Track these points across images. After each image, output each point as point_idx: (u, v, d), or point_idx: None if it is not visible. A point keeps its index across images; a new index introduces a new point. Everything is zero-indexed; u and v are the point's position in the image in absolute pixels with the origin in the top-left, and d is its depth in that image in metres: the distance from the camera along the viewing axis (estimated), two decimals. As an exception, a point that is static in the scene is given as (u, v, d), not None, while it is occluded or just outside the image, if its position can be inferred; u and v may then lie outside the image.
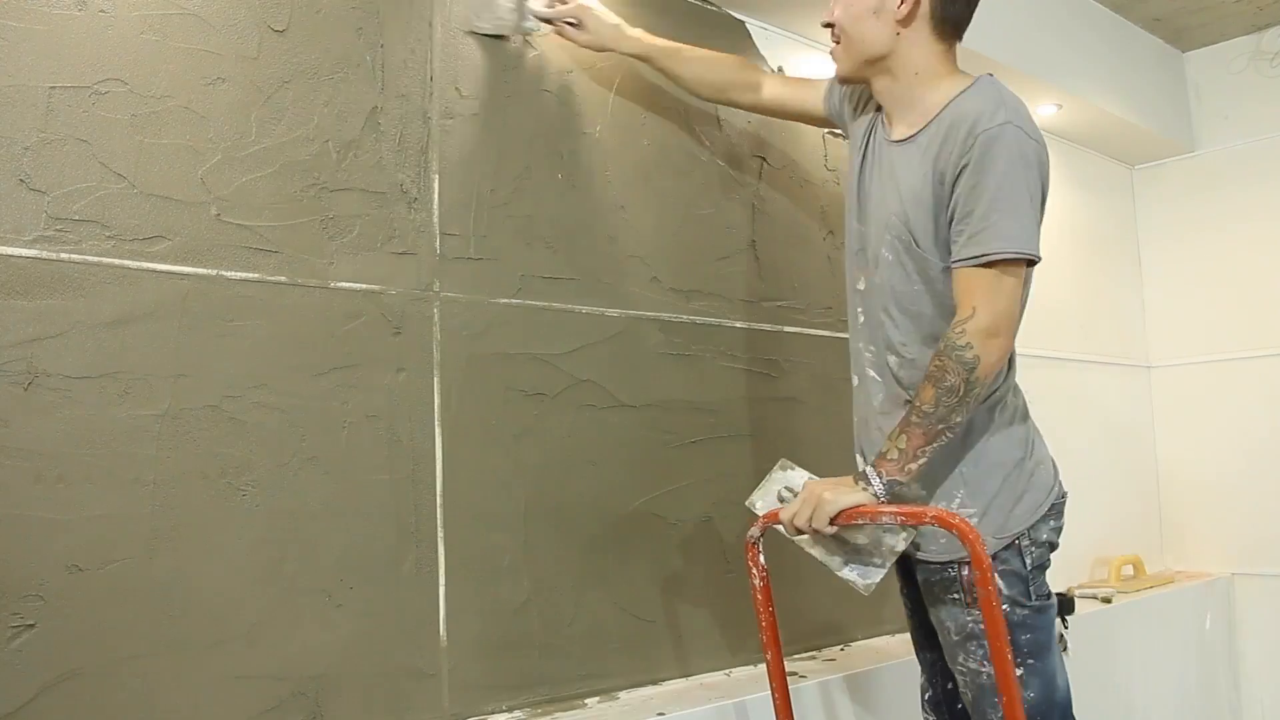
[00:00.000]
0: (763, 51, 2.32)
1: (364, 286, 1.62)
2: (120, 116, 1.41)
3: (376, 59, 1.67)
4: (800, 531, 1.53)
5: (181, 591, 1.40)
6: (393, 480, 1.62)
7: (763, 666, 1.70)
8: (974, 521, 1.51)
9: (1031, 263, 1.51)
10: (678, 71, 1.98)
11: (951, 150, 1.51)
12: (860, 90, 1.77)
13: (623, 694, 1.87)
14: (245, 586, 1.46)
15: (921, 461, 1.49)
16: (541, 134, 1.88)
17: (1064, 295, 3.24)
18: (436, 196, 1.72)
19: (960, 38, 1.64)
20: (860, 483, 1.50)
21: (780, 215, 2.28)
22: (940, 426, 1.48)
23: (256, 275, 1.51)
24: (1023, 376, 1.70)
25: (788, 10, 2.28)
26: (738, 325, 2.16)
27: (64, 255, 1.35)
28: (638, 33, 1.94)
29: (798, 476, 1.63)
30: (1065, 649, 2.58)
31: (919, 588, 1.67)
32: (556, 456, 1.83)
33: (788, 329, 2.26)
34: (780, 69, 2.33)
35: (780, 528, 1.56)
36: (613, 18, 1.92)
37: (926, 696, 1.78)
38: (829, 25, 1.67)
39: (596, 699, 1.83)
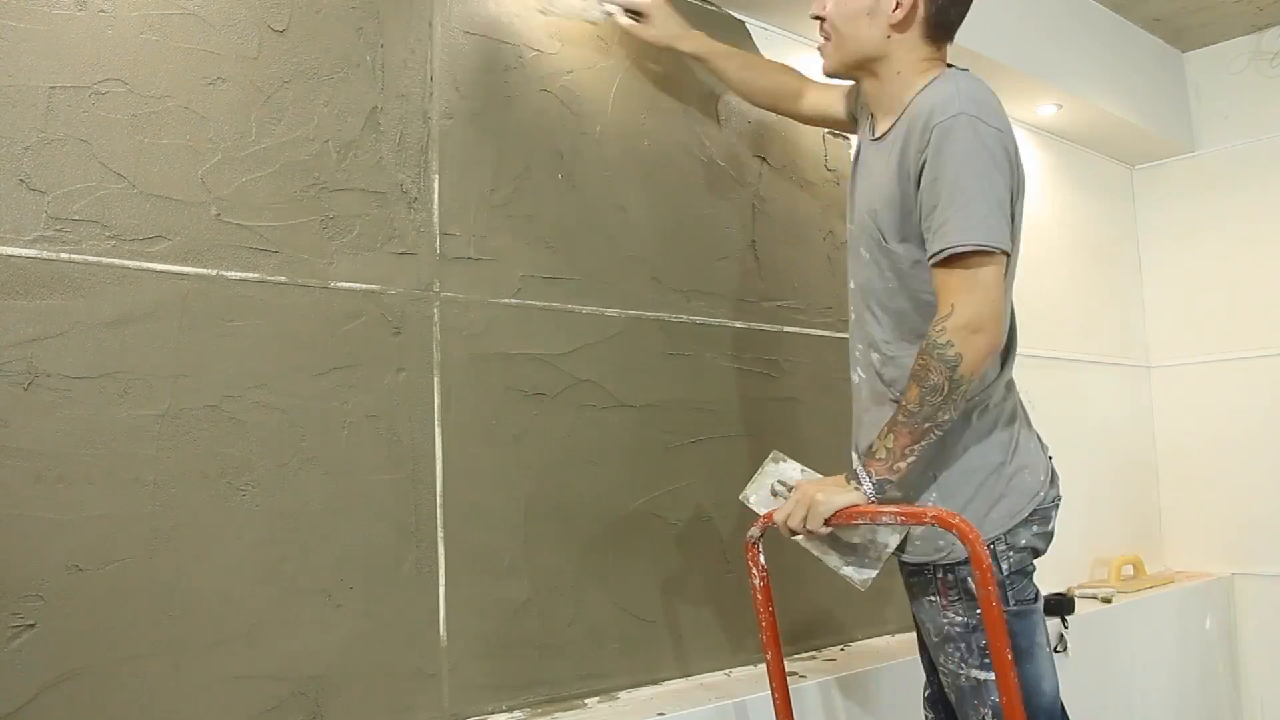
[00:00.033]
0: (762, 51, 2.31)
1: (364, 286, 1.62)
2: (120, 116, 1.41)
3: (376, 59, 1.67)
4: (795, 533, 1.54)
5: (181, 591, 1.40)
6: (393, 480, 1.62)
7: (763, 666, 1.70)
8: None
9: (1006, 253, 1.47)
10: (732, 75, 2.02)
11: (912, 145, 1.51)
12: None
13: (623, 694, 1.87)
14: (245, 586, 1.46)
15: (910, 460, 1.49)
16: (541, 134, 1.88)
17: (1064, 295, 3.24)
18: (436, 196, 1.72)
19: (951, 40, 1.63)
20: (851, 481, 1.51)
21: (780, 215, 2.28)
22: (927, 425, 1.47)
23: (256, 275, 1.51)
24: (1022, 376, 1.70)
25: (788, 10, 2.28)
26: (738, 325, 2.16)
27: (64, 255, 1.35)
28: (698, 34, 1.99)
29: (790, 469, 1.64)
30: (1065, 649, 2.58)
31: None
32: (556, 456, 1.83)
33: (787, 329, 2.26)
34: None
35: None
36: (677, 17, 1.97)
37: (927, 694, 1.78)
38: (819, 18, 1.65)
39: (596, 699, 1.83)
